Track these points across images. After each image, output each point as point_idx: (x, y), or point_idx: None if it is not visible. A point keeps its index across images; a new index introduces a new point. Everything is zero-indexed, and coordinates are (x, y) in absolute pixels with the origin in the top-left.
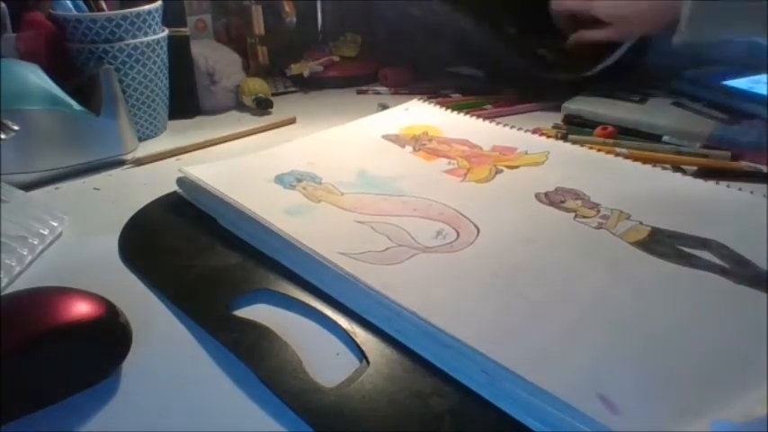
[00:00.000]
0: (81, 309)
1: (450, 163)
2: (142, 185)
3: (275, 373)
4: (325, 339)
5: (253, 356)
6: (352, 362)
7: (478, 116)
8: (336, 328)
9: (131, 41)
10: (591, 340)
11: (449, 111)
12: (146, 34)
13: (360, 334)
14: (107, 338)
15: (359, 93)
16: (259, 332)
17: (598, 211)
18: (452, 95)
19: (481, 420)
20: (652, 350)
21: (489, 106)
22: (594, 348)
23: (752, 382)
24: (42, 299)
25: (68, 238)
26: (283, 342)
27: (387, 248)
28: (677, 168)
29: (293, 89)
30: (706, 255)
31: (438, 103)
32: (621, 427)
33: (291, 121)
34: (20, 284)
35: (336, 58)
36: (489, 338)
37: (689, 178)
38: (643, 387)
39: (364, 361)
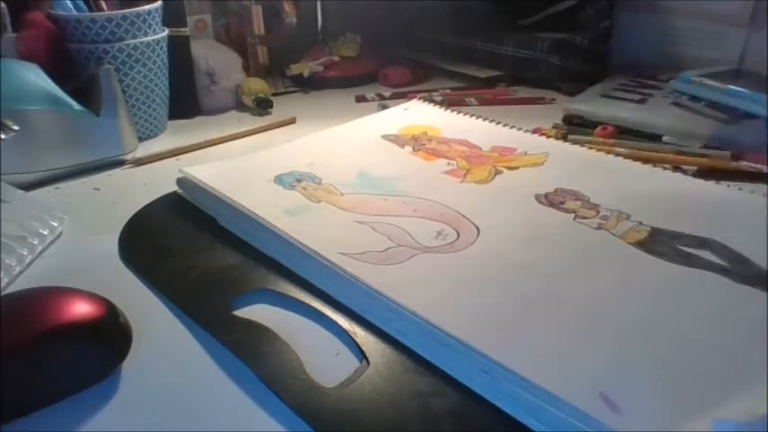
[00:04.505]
0: (81, 309)
1: (449, 164)
2: (142, 185)
3: (275, 373)
4: (325, 339)
5: (253, 356)
6: (352, 362)
7: (474, 115)
8: (336, 328)
9: (131, 41)
10: (591, 340)
11: (448, 111)
12: (146, 34)
13: (360, 334)
14: (107, 338)
15: (358, 101)
16: (259, 332)
17: (598, 212)
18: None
19: (482, 420)
20: (653, 350)
21: (473, 99)
22: (595, 348)
23: (753, 381)
24: (42, 299)
25: (68, 238)
26: (283, 342)
27: (387, 249)
28: (677, 168)
29: (293, 89)
30: (706, 254)
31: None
32: (624, 428)
33: (291, 121)
34: (20, 284)
35: (336, 58)
36: (489, 338)
37: (689, 178)
38: (644, 386)
39: (364, 361)
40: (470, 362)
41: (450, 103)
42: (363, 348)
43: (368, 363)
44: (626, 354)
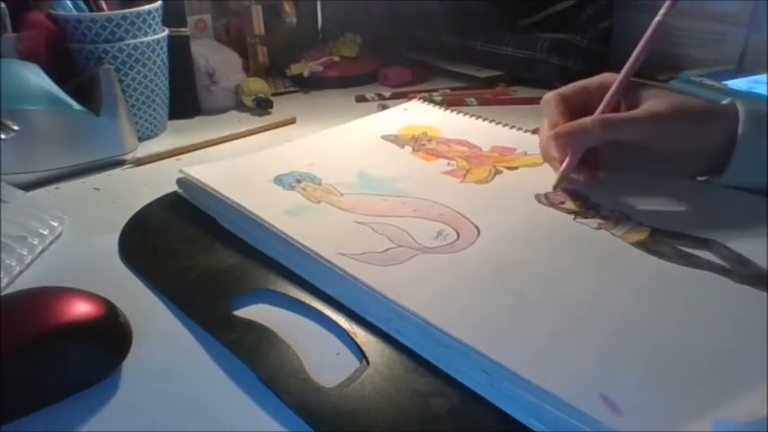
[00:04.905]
0: (81, 309)
1: (449, 164)
2: (142, 185)
3: (275, 373)
4: (325, 339)
5: (253, 356)
6: (352, 362)
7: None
8: (336, 328)
9: (131, 41)
10: (592, 340)
11: (448, 111)
12: (146, 34)
13: (360, 334)
14: (107, 338)
15: (358, 101)
16: (259, 332)
17: (598, 212)
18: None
19: (482, 421)
20: (653, 350)
21: (473, 99)
22: (595, 348)
23: (753, 382)
24: (42, 299)
25: (68, 238)
26: (283, 342)
27: (387, 249)
28: None
29: (293, 89)
30: (706, 254)
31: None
32: (624, 428)
33: (291, 121)
34: (20, 284)
35: (336, 58)
36: (490, 338)
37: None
38: (644, 387)
39: (364, 361)
40: (470, 362)
41: (449, 103)
42: (363, 348)
43: (368, 363)
44: (626, 354)
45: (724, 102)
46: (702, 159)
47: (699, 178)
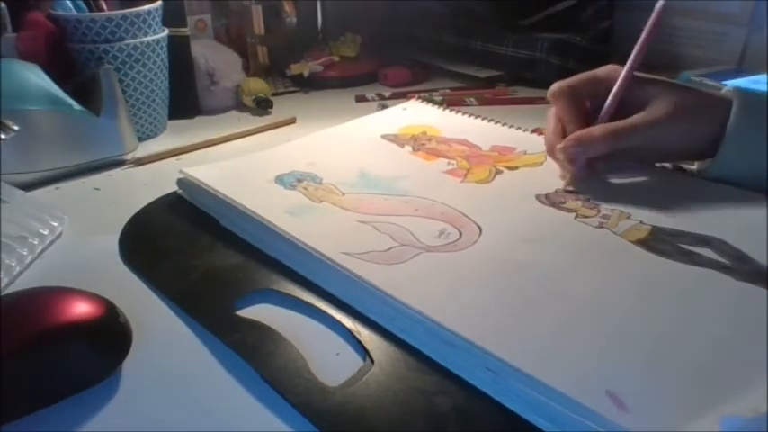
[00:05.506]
0: (81, 309)
1: (449, 163)
2: (142, 185)
3: (279, 373)
4: (329, 339)
5: (256, 356)
6: (356, 361)
7: (473, 115)
8: (340, 327)
9: (131, 41)
10: (594, 338)
11: (447, 110)
12: (146, 34)
13: (363, 333)
14: (107, 338)
15: (358, 101)
16: (263, 332)
17: (598, 211)
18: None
19: (487, 418)
20: (655, 347)
21: (473, 99)
22: (598, 346)
23: (754, 379)
24: (42, 299)
25: (68, 238)
26: (287, 342)
27: (390, 248)
28: (677, 167)
29: (293, 89)
30: (707, 252)
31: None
32: (632, 426)
33: (291, 121)
34: (20, 284)
35: (336, 58)
36: (494, 336)
37: (689, 177)
38: (647, 384)
39: (368, 360)
40: (474, 359)
41: (449, 103)
42: (367, 347)
43: (372, 361)
44: (628, 352)
45: (724, 90)
46: (701, 150)
47: (694, 164)
